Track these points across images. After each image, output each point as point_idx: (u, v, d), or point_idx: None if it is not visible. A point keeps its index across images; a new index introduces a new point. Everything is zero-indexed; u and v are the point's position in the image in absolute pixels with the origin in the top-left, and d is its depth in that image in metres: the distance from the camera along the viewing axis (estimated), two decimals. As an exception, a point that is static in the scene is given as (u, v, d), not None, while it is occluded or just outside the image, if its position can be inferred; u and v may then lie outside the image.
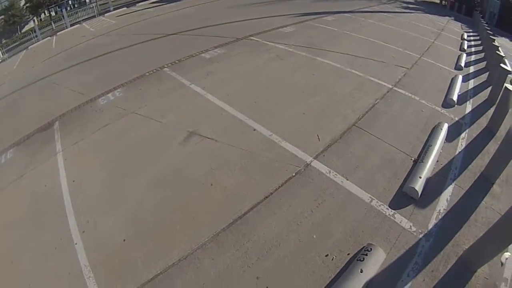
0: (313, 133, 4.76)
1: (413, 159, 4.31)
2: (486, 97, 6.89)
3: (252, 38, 8.91)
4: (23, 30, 25.90)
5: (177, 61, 7.67)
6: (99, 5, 20.89)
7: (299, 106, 5.47)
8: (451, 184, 4.00)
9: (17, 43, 20.71)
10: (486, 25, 14.01)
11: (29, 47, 15.96)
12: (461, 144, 4.83)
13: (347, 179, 3.93)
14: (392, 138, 4.71)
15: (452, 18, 18.21)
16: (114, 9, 19.22)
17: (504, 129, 5.63)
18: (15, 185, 4.71)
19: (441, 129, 4.90)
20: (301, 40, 8.73)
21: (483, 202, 3.78)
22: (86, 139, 5.27)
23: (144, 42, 10.01)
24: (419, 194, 3.69)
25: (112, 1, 20.59)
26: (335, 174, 4.00)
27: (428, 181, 3.94)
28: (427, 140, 4.72)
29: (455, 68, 8.21)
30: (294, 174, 4.00)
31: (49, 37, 16.34)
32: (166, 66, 7.46)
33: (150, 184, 4.12)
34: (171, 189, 3.99)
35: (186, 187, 3.98)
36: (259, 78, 6.53)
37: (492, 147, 4.90)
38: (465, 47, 10.76)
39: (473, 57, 10.07)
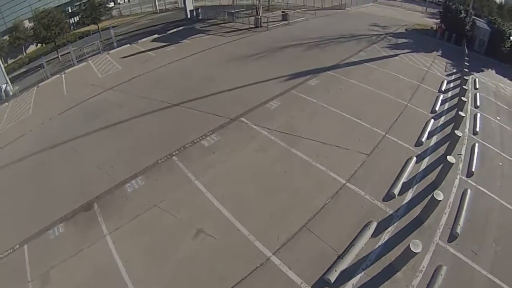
0: (276, 233, 7.09)
1: (338, 255, 6.55)
2: (433, 179, 8.99)
3: (242, 119, 11.30)
4: (28, 51, 29.11)
5: (182, 148, 10.14)
6: (104, 39, 23.66)
7: (271, 206, 7.84)
8: (361, 272, 6.23)
9: (24, 69, 23.53)
10: (477, 53, 15.94)
11: (40, 85, 18.50)
12: (384, 238, 7.03)
13: (290, 269, 6.31)
14: (329, 237, 7.00)
15: (440, 52, 20.15)
16: (118, 46, 21.88)
17: (434, 217, 7.75)
18: (78, 258, 7.17)
19: (369, 228, 7.13)
20: (283, 121, 11.10)
21: (382, 286, 6.00)
22: (125, 226, 7.81)
23: (152, 113, 12.49)
24: (332, 281, 6.00)
25: (115, 36, 23.21)
26: (283, 266, 6.40)
27: (343, 271, 6.20)
28: (355, 238, 6.94)
29: (416, 145, 10.34)
30: (258, 265, 6.40)
31: (58, 75, 18.95)
32: (174, 154, 9.92)
33: (177, 266, 6.65)
34: (191, 272, 6.53)
35: (198, 273, 6.51)
36: (245, 175, 8.93)
37: (412, 237, 7.05)
38: (437, 108, 12.79)
39: (442, 120, 12.13)
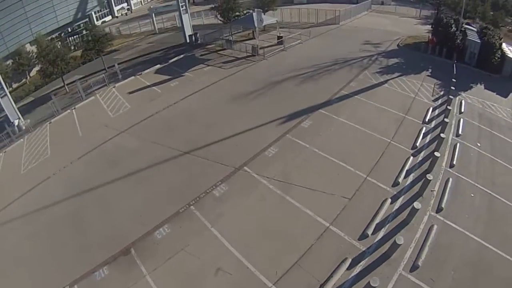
0: (275, 269, 9.84)
1: (320, 284, 9.23)
2: (403, 218, 11.49)
3: (245, 168, 13.91)
4: (31, 73, 31.93)
5: (198, 198, 12.74)
6: (108, 66, 26.22)
7: (270, 248, 10.52)
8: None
9: (31, 97, 25.88)
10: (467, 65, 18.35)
11: (52, 121, 20.99)
12: (356, 271, 9.63)
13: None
14: (314, 271, 9.70)
15: (429, 71, 22.35)
16: (122, 77, 24.46)
17: (400, 251, 10.27)
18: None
19: (344, 263, 9.75)
20: (280, 169, 13.67)
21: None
22: (161, 267, 10.31)
23: (167, 161, 15.13)
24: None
25: (118, 65, 25.71)
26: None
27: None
28: (333, 271, 9.56)
29: (393, 185, 12.76)
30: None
31: (68, 110, 21.56)
32: (191, 204, 12.55)
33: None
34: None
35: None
36: (250, 222, 11.54)
37: (380, 269, 9.63)
38: (418, 143, 15.15)
39: (421, 155, 14.51)
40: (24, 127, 21.51)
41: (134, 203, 13.04)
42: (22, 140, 19.92)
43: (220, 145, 15.78)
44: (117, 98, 22.09)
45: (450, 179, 13.01)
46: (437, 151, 13.95)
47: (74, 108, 22.02)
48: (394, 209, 11.72)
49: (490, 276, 9.55)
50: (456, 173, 13.39)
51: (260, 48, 26.43)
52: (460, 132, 16.09)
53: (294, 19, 36.12)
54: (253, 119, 17.34)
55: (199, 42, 30.74)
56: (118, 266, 10.69)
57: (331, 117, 16.93)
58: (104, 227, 12.21)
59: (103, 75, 24.33)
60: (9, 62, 30.15)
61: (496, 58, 22.79)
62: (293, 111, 17.67)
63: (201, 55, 27.75)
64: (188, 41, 30.85)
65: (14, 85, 31.13)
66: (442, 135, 14.72)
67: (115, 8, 50.60)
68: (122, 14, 51.87)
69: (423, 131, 15.84)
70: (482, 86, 21.61)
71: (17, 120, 21.76)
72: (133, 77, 25.03)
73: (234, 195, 12.74)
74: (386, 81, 20.66)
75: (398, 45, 27.62)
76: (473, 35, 24.89)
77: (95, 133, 18.24)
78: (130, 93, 22.55)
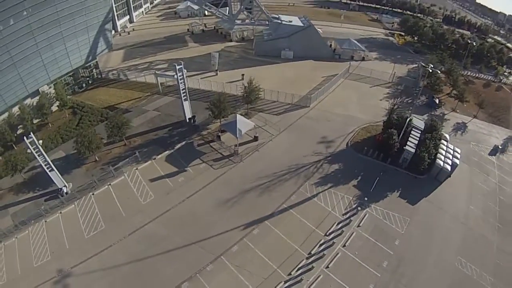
0: None
1: None
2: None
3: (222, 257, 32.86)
4: (52, 108, 51.08)
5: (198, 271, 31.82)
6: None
7: None
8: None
9: (62, 152, 44.83)
10: (399, 167, 39.55)
11: (95, 193, 39.37)
12: None
13: None
14: None
15: (357, 181, 40.28)
16: (142, 160, 42.77)
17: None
18: None
19: None
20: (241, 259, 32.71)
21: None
22: None
23: (181, 248, 34.16)
24: None
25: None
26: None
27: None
28: None
29: (288, 275, 31.96)
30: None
31: (106, 186, 39.80)
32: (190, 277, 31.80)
33: None
34: None
35: None
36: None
37: None
38: (313, 251, 34.14)
39: (310, 260, 33.58)
40: (69, 191, 39.10)
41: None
42: (73, 205, 38.04)
43: (212, 239, 34.28)
44: (142, 184, 40.29)
45: (321, 276, 31.91)
46: (322, 257, 32.86)
47: (110, 185, 40.58)
48: (284, 294, 30.89)
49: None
50: (328, 272, 32.27)
51: (240, 145, 44.35)
52: (347, 243, 34.71)
53: (274, 85, 52.92)
54: (227, 224, 35.80)
55: (196, 123, 48.66)
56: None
57: (270, 228, 35.44)
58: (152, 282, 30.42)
59: (128, 159, 42.71)
60: (29, 102, 48.11)
61: (423, 167, 40.15)
62: (251, 220, 36.08)
63: (198, 145, 45.58)
64: (187, 121, 48.74)
65: (35, 121, 48.56)
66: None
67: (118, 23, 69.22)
68: (124, 31, 70.25)
69: (321, 242, 34.52)
70: (398, 194, 39.58)
71: (64, 187, 39.06)
72: (149, 161, 43.32)
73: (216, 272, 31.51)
74: (317, 194, 38.64)
75: (347, 144, 45.28)
76: (410, 146, 41.37)
77: (134, 217, 35.95)
78: (151, 180, 40.73)
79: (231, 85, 55.46)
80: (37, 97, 49.77)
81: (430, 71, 41.53)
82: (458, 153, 43.48)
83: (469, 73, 65.01)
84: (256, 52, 67.51)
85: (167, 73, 52.93)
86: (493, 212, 40.11)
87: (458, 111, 54.62)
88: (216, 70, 60.49)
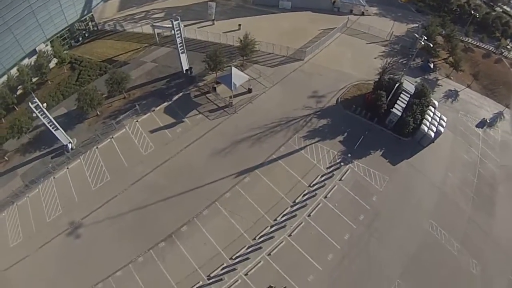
0: None
1: None
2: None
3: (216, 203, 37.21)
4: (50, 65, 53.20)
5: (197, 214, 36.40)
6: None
7: None
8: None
9: (63, 108, 48.05)
10: (384, 128, 42.29)
11: (98, 147, 43.78)
12: None
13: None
14: None
15: (343, 137, 42.91)
16: (142, 112, 45.99)
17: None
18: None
19: None
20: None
21: None
22: None
23: (184, 193, 38.26)
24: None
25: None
26: None
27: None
28: None
29: (274, 220, 36.30)
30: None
31: (108, 140, 43.87)
32: (185, 224, 36.29)
33: None
34: None
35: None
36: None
37: None
38: (297, 200, 38.11)
39: (295, 207, 37.68)
40: (74, 147, 42.74)
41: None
42: (79, 161, 41.67)
43: (208, 186, 38.06)
44: (142, 136, 43.08)
45: (303, 223, 36.22)
46: (305, 206, 36.91)
47: (112, 138, 43.61)
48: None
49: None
50: (309, 220, 36.49)
51: (234, 96, 46.40)
52: (328, 195, 38.50)
53: (270, 36, 53.81)
54: (221, 172, 39.15)
55: (193, 75, 50.22)
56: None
57: (260, 177, 38.99)
58: (154, 227, 35.23)
59: (128, 113, 45.10)
60: (27, 62, 49.28)
61: (408, 131, 42.10)
62: (243, 168, 39.46)
63: (195, 96, 47.55)
64: (184, 72, 50.23)
65: (34, 79, 50.24)
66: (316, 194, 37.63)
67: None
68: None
69: (305, 192, 38.33)
70: (380, 153, 42.32)
71: (69, 144, 42.06)
72: (149, 113, 45.71)
73: (211, 216, 35.94)
74: (305, 147, 41.60)
75: (337, 100, 47.20)
76: (397, 108, 42.72)
77: (135, 168, 39.67)
78: (151, 132, 43.38)
79: (228, 35, 55.60)
80: (35, 56, 50.63)
81: (423, 43, 41.51)
82: (444, 121, 44.44)
83: (470, 40, 62.71)
84: (254, 1, 66.21)
85: (164, 24, 52.89)
86: (470, 183, 42.21)
87: (452, 78, 54.41)
88: (213, 20, 60.15)
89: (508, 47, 62.98)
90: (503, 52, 62.45)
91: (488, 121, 49.85)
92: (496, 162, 45.80)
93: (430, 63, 53.78)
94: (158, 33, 55.93)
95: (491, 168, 44.86)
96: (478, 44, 62.87)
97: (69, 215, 36.40)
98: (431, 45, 46.19)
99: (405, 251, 34.41)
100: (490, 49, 62.23)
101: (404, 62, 52.87)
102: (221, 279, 31.64)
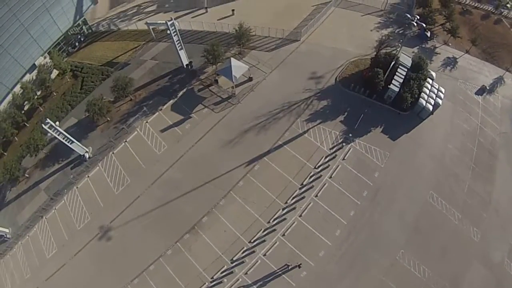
0: None
1: None
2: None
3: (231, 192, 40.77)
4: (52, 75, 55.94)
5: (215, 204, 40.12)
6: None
7: None
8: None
9: (74, 118, 50.63)
10: (383, 103, 43.71)
11: (114, 152, 46.79)
12: None
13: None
14: None
15: (343, 116, 45.07)
16: (149, 113, 48.63)
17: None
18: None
19: None
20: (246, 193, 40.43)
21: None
22: None
23: (200, 187, 41.76)
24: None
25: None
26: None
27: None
28: None
29: (285, 203, 39.72)
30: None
31: (123, 144, 47.03)
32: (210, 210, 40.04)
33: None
34: None
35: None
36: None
37: None
38: (304, 182, 41.18)
39: (303, 189, 40.88)
40: (91, 155, 46.04)
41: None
42: (98, 168, 45.11)
43: (222, 177, 41.23)
44: (154, 136, 46.06)
45: (311, 203, 39.58)
46: (312, 188, 40.14)
47: (126, 141, 46.60)
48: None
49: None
50: (317, 200, 39.76)
51: (236, 86, 48.37)
52: (333, 175, 41.40)
53: (265, 18, 54.94)
54: (233, 162, 41.97)
55: (194, 68, 52.08)
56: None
57: (268, 164, 41.88)
58: (178, 220, 39.18)
59: (139, 115, 47.85)
60: (28, 77, 51.91)
61: (406, 105, 43.29)
62: (252, 157, 42.34)
63: (198, 90, 49.61)
64: (185, 67, 52.09)
65: (39, 93, 53.05)
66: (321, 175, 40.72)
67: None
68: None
69: (311, 174, 41.34)
70: (380, 129, 44.17)
71: (86, 153, 45.22)
72: (157, 113, 48.27)
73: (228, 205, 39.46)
74: (308, 130, 43.94)
75: (335, 79, 48.63)
76: (395, 84, 43.81)
77: (152, 167, 42.87)
78: (161, 131, 46.09)
79: (223, 23, 56.35)
80: (36, 71, 52.88)
81: (415, 24, 42.92)
82: (442, 93, 44.84)
83: (467, 2, 60.69)
84: (245, -19, 65.73)
85: (158, 21, 54.00)
86: (470, 152, 43.55)
87: (450, 44, 53.89)
88: (206, 8, 60.75)
89: (508, 5, 60.59)
90: (502, 12, 60.23)
91: (488, 88, 49.91)
92: (496, 129, 46.71)
93: (427, 32, 53.44)
94: (153, 29, 57.07)
95: (491, 135, 45.81)
96: (476, 5, 60.98)
97: (98, 220, 40.39)
98: (424, 25, 45.85)
99: (407, 222, 37.73)
100: (489, 9, 60.28)
101: (401, 32, 52.85)
102: (243, 262, 35.77)
